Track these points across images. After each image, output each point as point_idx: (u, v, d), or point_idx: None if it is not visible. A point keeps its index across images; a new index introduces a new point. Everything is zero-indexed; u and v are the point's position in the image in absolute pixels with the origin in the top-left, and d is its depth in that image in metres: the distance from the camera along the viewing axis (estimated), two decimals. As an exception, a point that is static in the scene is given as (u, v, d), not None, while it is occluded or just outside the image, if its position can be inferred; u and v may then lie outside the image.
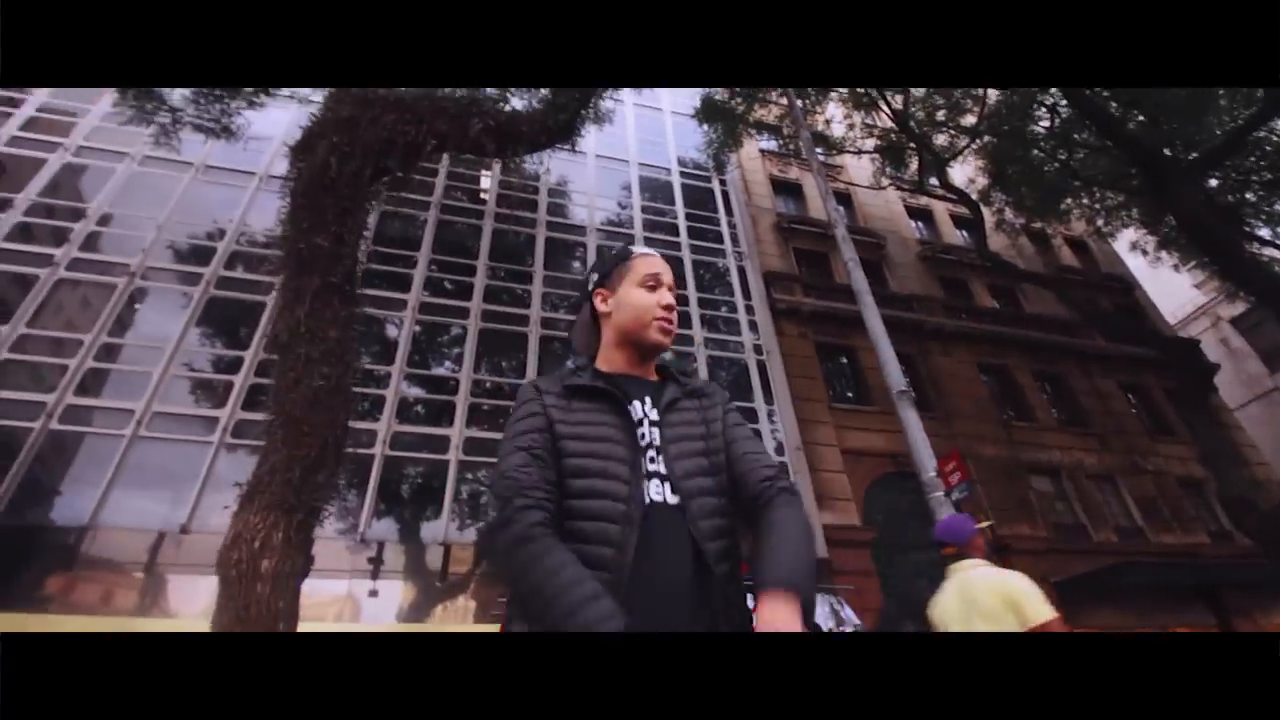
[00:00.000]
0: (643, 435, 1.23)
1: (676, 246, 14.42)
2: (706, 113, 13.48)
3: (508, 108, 7.87)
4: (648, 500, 1.15)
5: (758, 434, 11.62)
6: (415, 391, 10.96)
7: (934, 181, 15.31)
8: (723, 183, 16.30)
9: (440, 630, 8.91)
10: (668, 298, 1.39)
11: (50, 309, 9.88)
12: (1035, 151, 13.79)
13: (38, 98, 12.24)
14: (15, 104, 12.03)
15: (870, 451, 12.20)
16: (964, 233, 18.43)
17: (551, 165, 13.42)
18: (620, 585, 1.03)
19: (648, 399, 1.29)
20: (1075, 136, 13.26)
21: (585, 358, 1.41)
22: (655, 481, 1.17)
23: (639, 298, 1.37)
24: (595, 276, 1.46)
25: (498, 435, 10.38)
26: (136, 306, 10.46)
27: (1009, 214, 15.87)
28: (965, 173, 16.06)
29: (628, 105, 16.77)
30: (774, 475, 1.24)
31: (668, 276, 1.42)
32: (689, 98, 16.15)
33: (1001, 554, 11.69)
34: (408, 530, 9.78)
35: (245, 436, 9.29)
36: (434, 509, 9.80)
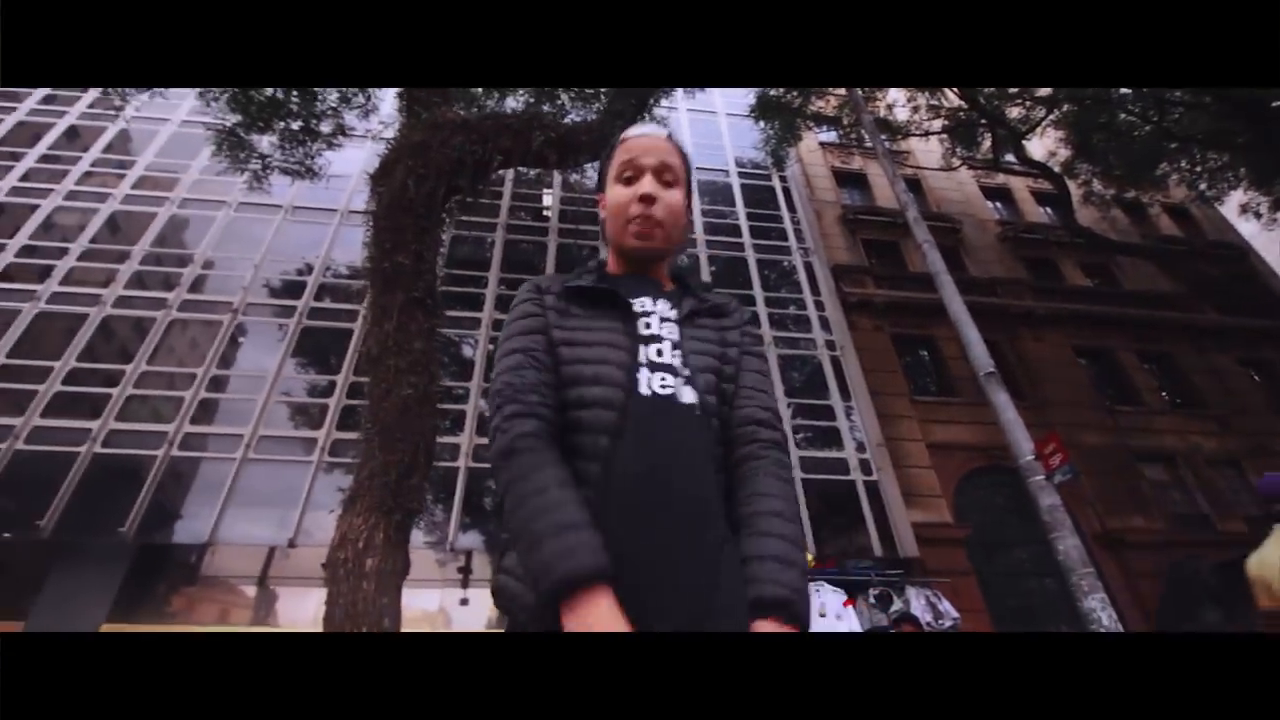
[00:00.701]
0: (647, 325, 1.08)
1: (740, 247, 14.29)
2: (762, 110, 13.33)
3: (567, 120, 8.07)
4: (649, 391, 0.99)
5: (834, 432, 11.37)
6: (493, 406, 11.28)
7: (1010, 158, 14.56)
8: (783, 179, 16.07)
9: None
10: (646, 186, 1.12)
11: (164, 349, 10.81)
12: (1122, 115, 12.89)
13: (147, 157, 13.51)
14: (126, 166, 13.32)
15: (959, 445, 11.61)
16: (1048, 209, 17.38)
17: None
18: (600, 501, 0.91)
19: (661, 300, 1.13)
20: (1168, 95, 12.29)
21: (595, 261, 1.26)
22: (662, 374, 1.02)
23: (615, 196, 1.15)
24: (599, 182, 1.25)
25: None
26: (240, 341, 11.30)
27: (1097, 185, 14.84)
28: (1044, 145, 15.18)
29: (681, 111, 16.84)
30: (769, 420, 1.08)
31: (651, 158, 1.14)
32: (742, 97, 16.05)
33: (1114, 548, 10.85)
34: (493, 541, 10.05)
35: (341, 455, 9.83)
36: (516, 520, 10.00)
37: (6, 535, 8.86)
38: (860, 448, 11.37)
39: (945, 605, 7.41)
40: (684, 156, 1.19)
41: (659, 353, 1.05)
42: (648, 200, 1.11)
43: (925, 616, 7.09)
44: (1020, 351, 13.39)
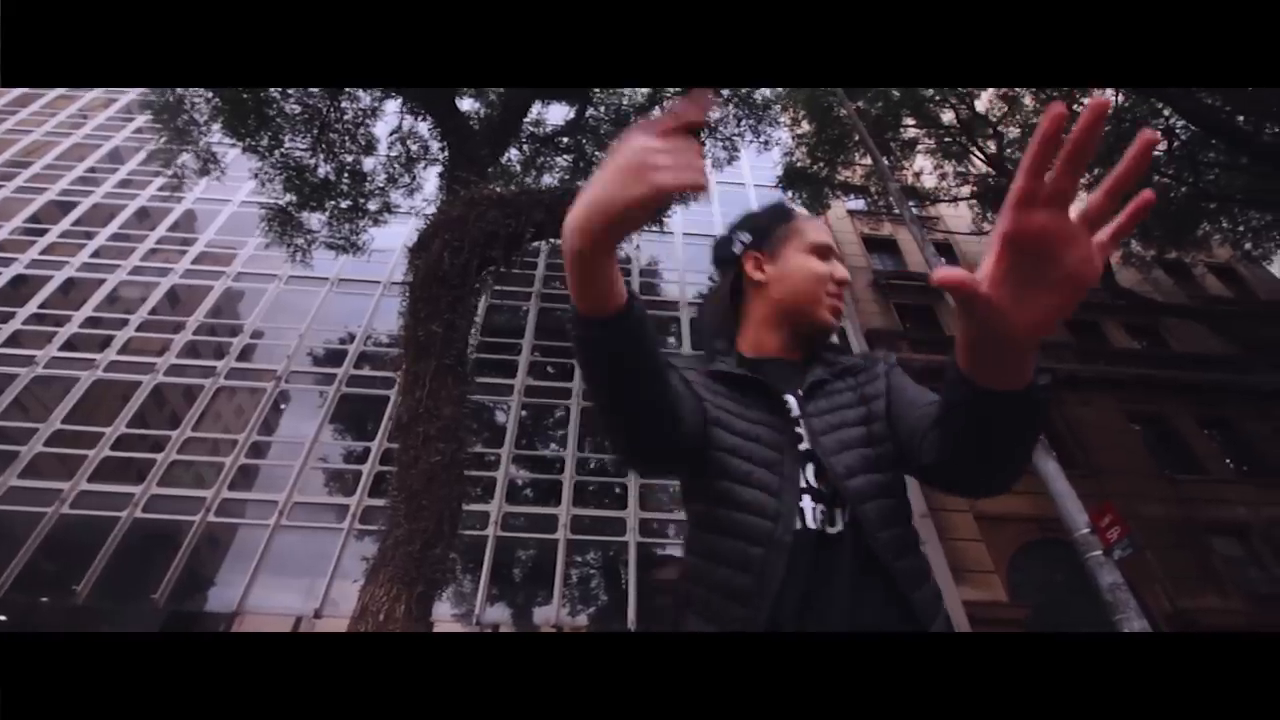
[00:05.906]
0: (799, 436, 0.96)
1: (771, 313, 14.32)
2: (789, 180, 13.63)
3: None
4: (806, 524, 0.88)
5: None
6: (524, 474, 11.25)
7: (1043, 221, 14.45)
8: (813, 247, 16.22)
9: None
10: (842, 270, 1.10)
11: (210, 415, 11.16)
12: (1156, 178, 12.75)
13: (209, 234, 14.39)
14: (189, 243, 14.20)
15: (1010, 516, 11.00)
16: (1085, 272, 17.05)
17: (641, 245, 13.98)
18: (758, 625, 0.82)
19: (801, 392, 1.02)
20: (1201, 156, 12.18)
21: (726, 340, 1.14)
22: (810, 500, 0.90)
23: (812, 266, 1.08)
24: (746, 237, 1.14)
25: (604, 514, 10.40)
26: (282, 407, 11.61)
27: (1136, 246, 14.55)
28: (1077, 209, 15.04)
29: (710, 182, 17.32)
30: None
31: (832, 248, 1.13)
32: (770, 169, 16.48)
33: (1189, 629, 9.98)
34: (520, 614, 9.77)
35: (371, 522, 9.82)
36: (545, 593, 9.78)
37: (44, 600, 8.99)
38: (902, 518, 10.89)
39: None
40: None
41: (816, 472, 0.94)
42: (844, 283, 1.10)
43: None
44: (1067, 416, 12.85)
